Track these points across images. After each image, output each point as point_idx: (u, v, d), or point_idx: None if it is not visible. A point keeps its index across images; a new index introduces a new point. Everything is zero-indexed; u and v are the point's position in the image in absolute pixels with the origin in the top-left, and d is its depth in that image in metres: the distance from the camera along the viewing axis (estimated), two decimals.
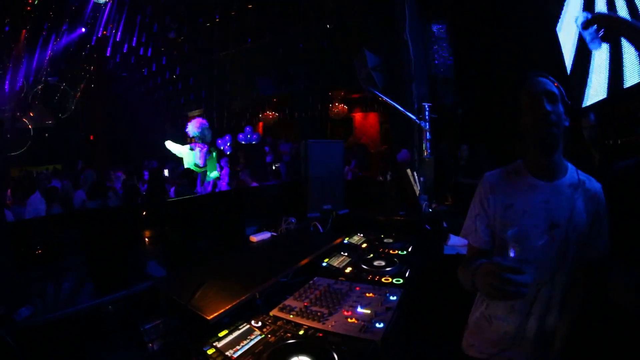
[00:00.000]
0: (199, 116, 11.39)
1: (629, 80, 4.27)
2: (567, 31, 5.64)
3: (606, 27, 1.62)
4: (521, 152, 1.82)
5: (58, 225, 2.74)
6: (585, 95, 5.11)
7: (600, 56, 4.68)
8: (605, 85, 4.66)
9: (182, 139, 15.28)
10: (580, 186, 1.70)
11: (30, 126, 16.08)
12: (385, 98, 5.06)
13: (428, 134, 4.69)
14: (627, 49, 4.19)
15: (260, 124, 17.28)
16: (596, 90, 4.89)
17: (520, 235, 1.57)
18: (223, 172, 9.49)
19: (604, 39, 1.64)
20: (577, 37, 5.17)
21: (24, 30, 14.38)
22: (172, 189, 7.55)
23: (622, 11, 4.20)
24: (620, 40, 1.66)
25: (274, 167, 11.19)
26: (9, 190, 7.29)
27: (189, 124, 9.37)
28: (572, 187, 1.69)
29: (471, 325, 1.89)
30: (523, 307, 1.67)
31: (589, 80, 5.02)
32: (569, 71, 5.48)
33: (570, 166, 1.76)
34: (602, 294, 1.94)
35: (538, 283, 1.64)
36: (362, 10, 11.98)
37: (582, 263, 1.71)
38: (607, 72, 4.60)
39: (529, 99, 1.67)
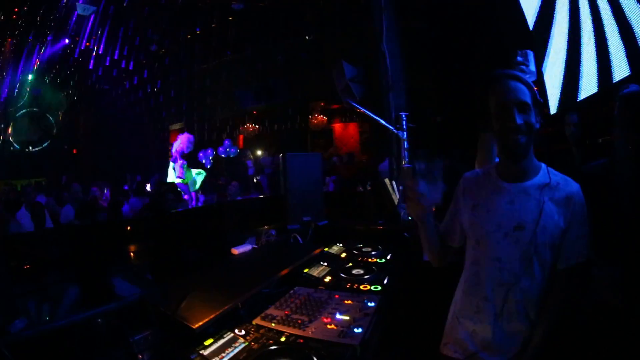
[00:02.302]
0: (181, 131, 11.42)
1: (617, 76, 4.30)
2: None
3: None
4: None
5: (45, 241, 2.76)
6: (579, 91, 5.11)
7: (588, 51, 4.72)
8: (595, 82, 4.69)
9: (165, 152, 15.21)
10: (552, 188, 1.67)
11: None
12: (362, 109, 5.14)
13: (406, 143, 4.77)
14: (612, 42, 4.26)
15: (241, 136, 17.30)
16: (586, 87, 4.92)
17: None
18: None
19: None
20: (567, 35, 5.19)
21: (9, 39, 14.27)
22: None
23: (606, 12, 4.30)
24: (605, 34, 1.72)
25: (255, 180, 11.22)
26: None
27: (182, 140, 9.38)
28: (541, 188, 1.67)
29: (447, 325, 1.94)
30: (490, 309, 1.67)
31: (580, 77, 5.03)
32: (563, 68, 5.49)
33: (543, 167, 1.73)
34: (584, 299, 1.93)
35: (504, 284, 1.64)
36: (340, 22, 12.13)
37: (560, 267, 1.67)
38: (596, 67, 4.64)
39: (499, 109, 1.64)
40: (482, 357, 1.70)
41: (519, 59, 2.00)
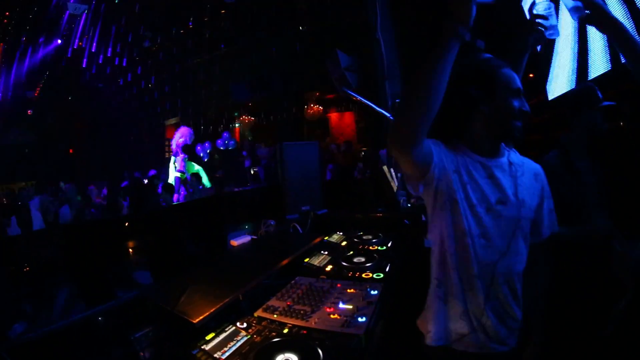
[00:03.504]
0: (177, 126, 11.40)
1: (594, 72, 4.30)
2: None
3: (595, 17, 1.64)
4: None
5: (43, 241, 2.73)
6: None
7: (565, 47, 4.71)
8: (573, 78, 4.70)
9: (161, 148, 15.17)
10: (521, 165, 1.71)
11: None
12: (359, 97, 5.10)
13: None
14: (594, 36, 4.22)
15: (237, 129, 17.24)
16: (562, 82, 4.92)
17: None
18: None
19: (584, 20, 1.64)
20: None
21: (0, 44, 14.19)
22: None
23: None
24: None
25: (252, 172, 11.19)
26: None
27: (183, 132, 9.34)
28: (510, 165, 1.68)
29: (427, 311, 1.73)
30: (480, 286, 1.56)
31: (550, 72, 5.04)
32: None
33: (503, 146, 1.73)
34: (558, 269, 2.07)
35: (489, 263, 1.57)
36: (334, 11, 12.06)
37: (538, 240, 1.74)
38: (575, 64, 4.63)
39: (512, 95, 1.60)
40: (474, 341, 1.59)
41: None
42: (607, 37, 1.66)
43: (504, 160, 1.68)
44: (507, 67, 1.64)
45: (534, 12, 1.61)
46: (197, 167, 9.50)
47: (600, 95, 2.56)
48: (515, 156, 1.73)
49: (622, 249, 2.04)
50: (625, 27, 1.62)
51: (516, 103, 1.60)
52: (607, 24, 1.65)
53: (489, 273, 1.57)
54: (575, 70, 4.80)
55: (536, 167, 1.77)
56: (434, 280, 1.68)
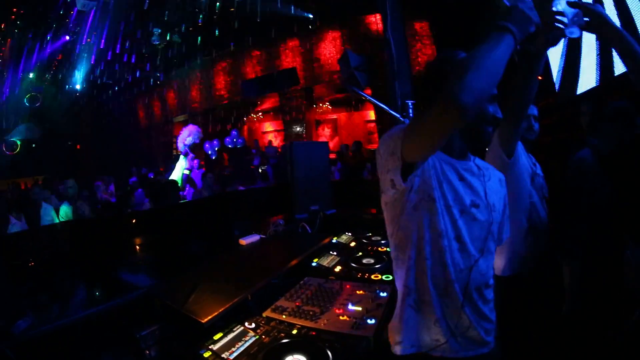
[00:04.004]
0: (185, 123, 11.43)
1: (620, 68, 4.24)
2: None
3: (595, 24, 1.61)
4: None
5: (49, 238, 2.74)
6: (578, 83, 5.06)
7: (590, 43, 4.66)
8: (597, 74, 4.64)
9: (169, 145, 15.19)
10: (487, 169, 1.68)
11: None
12: (368, 97, 5.09)
13: None
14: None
15: (246, 127, 17.26)
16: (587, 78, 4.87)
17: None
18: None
19: (584, 28, 1.59)
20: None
21: (9, 40, 14.28)
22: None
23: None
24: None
25: (260, 170, 11.19)
26: None
27: (191, 131, 9.36)
28: (479, 168, 1.64)
29: (395, 319, 1.60)
30: (458, 290, 1.48)
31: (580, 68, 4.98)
32: (562, 60, 5.44)
33: (470, 155, 1.67)
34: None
35: (463, 269, 1.49)
36: (345, 9, 12.05)
37: (498, 245, 1.71)
38: (597, 60, 4.57)
39: (492, 100, 1.56)
40: (448, 349, 1.50)
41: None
42: (608, 45, 1.64)
43: (472, 164, 1.64)
44: None
45: (554, 8, 1.56)
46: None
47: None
48: (480, 161, 1.70)
49: (636, 259, 2.02)
50: (626, 34, 1.60)
51: (490, 109, 1.55)
52: (607, 32, 1.64)
53: (465, 277, 1.49)
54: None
55: (499, 173, 1.76)
56: (402, 288, 1.57)
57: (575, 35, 1.55)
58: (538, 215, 2.49)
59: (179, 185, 7.98)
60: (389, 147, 1.43)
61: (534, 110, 2.66)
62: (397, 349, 1.54)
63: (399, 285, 1.59)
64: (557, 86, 5.32)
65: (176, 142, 9.56)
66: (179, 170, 8.96)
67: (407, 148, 1.38)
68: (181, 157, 9.06)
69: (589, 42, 4.62)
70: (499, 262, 2.43)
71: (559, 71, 5.29)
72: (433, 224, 1.47)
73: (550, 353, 2.42)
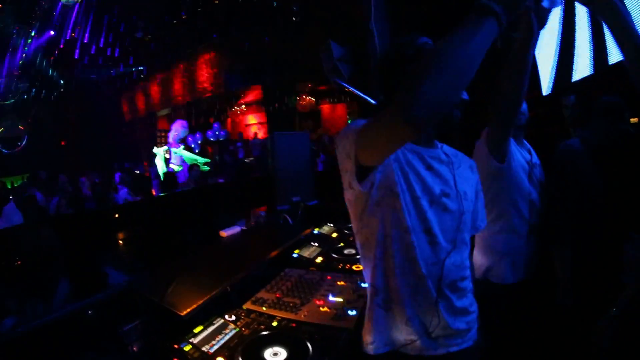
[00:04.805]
0: (169, 116, 11.45)
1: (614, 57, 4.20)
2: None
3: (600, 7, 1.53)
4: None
5: (34, 234, 2.69)
6: (573, 71, 5.03)
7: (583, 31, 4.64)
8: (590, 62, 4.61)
9: (152, 138, 15.10)
10: (457, 156, 1.62)
11: None
12: (351, 88, 5.08)
13: None
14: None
15: (229, 120, 17.16)
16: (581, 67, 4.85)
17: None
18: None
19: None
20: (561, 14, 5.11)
21: None
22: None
23: None
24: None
25: (246, 161, 11.15)
26: None
27: (176, 127, 9.31)
28: (447, 156, 1.56)
29: (366, 319, 1.52)
30: (431, 286, 1.41)
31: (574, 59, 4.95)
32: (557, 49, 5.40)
33: (437, 142, 1.60)
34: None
35: (437, 262, 1.42)
36: (328, 1, 11.99)
37: (474, 234, 1.69)
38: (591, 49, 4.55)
39: None
40: (422, 346, 1.43)
41: None
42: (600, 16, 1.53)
43: (439, 151, 1.55)
44: None
45: None
46: (190, 155, 9.51)
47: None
48: (448, 148, 1.63)
49: (636, 251, 2.01)
50: (622, 7, 1.50)
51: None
52: (612, 15, 1.52)
53: (437, 271, 1.41)
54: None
55: (469, 159, 1.69)
56: (370, 288, 1.49)
57: (557, 5, 1.49)
58: (538, 213, 2.42)
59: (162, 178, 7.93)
60: (344, 149, 1.35)
61: None
62: (370, 349, 1.47)
63: (367, 285, 1.52)
64: (553, 77, 5.32)
65: (161, 136, 9.56)
66: (161, 162, 8.90)
67: (360, 153, 1.29)
68: (162, 148, 9.00)
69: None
70: (499, 269, 2.37)
71: (554, 63, 5.28)
72: (398, 220, 1.39)
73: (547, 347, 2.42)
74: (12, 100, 16.00)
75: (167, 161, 9.56)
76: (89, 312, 1.81)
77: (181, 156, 9.40)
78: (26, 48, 15.10)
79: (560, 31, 5.09)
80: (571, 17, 4.80)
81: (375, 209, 1.42)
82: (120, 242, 3.35)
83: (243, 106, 17.32)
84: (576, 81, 4.77)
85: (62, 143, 18.58)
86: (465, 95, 1.44)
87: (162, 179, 7.28)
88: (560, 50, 5.11)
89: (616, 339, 1.85)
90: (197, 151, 13.23)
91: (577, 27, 4.69)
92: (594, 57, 4.43)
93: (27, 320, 1.80)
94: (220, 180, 7.58)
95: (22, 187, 9.09)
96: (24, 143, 16.41)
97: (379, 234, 1.43)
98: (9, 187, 10.67)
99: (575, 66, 4.79)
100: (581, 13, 4.58)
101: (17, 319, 1.85)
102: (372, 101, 4.78)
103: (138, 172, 11.54)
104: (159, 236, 3.40)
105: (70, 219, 4.14)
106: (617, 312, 1.88)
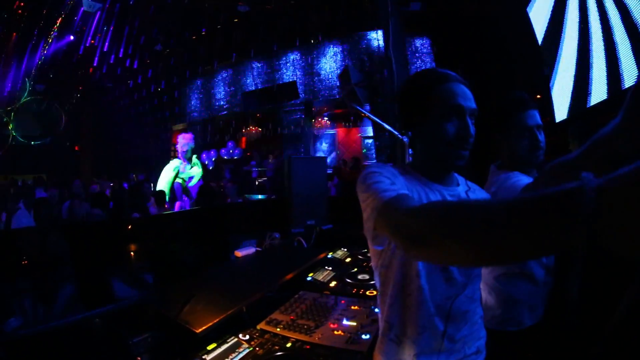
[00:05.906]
0: (185, 131, 11.51)
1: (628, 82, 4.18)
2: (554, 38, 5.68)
3: None
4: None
5: (41, 236, 2.73)
6: (589, 96, 5.01)
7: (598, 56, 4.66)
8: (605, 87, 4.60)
9: (167, 152, 15.24)
10: (474, 191, 1.59)
11: None
12: (367, 113, 5.13)
13: (410, 149, 4.74)
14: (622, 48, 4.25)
15: (244, 139, 17.31)
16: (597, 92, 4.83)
17: None
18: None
19: None
20: (577, 44, 5.14)
21: (14, 34, 14.35)
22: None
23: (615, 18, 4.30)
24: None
25: (257, 183, 11.22)
26: None
27: (184, 138, 9.36)
28: (467, 193, 1.53)
29: (377, 351, 1.51)
30: (438, 323, 1.40)
31: (591, 83, 4.93)
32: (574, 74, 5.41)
33: (460, 178, 1.59)
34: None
35: (450, 297, 1.41)
36: (347, 26, 12.17)
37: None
38: (606, 73, 4.55)
39: (451, 112, 1.39)
40: None
41: None
42: None
43: (460, 189, 1.53)
44: (451, 82, 1.41)
45: None
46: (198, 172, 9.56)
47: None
48: (473, 186, 1.61)
49: None
50: None
51: (449, 126, 1.38)
52: None
53: (446, 307, 1.40)
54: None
55: (485, 193, 1.69)
56: (383, 323, 1.48)
57: None
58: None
59: (166, 194, 7.92)
60: (364, 203, 1.28)
61: (536, 118, 2.10)
62: None
63: (380, 318, 1.51)
64: (569, 102, 5.34)
65: (176, 150, 9.60)
66: (166, 178, 8.89)
67: (378, 227, 1.20)
68: (170, 164, 9.04)
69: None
70: (517, 316, 2.23)
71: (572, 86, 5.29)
72: (415, 263, 1.37)
73: None
74: (28, 99, 16.28)
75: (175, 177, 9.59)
76: (99, 320, 1.85)
77: (191, 177, 9.42)
78: (45, 51, 15.41)
79: (576, 57, 5.14)
80: (587, 44, 4.84)
81: (395, 252, 1.41)
82: (132, 255, 3.38)
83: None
84: (591, 106, 4.79)
85: (76, 148, 18.82)
86: (467, 131, 1.39)
87: (157, 195, 7.21)
88: (576, 75, 5.15)
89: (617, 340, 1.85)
90: (210, 168, 13.33)
91: (592, 53, 4.73)
92: (608, 82, 4.46)
93: (31, 323, 1.84)
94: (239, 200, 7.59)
95: (29, 188, 9.16)
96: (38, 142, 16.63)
97: (397, 273, 1.41)
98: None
99: (591, 90, 4.81)
100: (597, 37, 4.63)
101: (22, 321, 1.88)
102: (386, 126, 4.82)
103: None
104: (173, 252, 3.44)
105: (82, 226, 4.19)
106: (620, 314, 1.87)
